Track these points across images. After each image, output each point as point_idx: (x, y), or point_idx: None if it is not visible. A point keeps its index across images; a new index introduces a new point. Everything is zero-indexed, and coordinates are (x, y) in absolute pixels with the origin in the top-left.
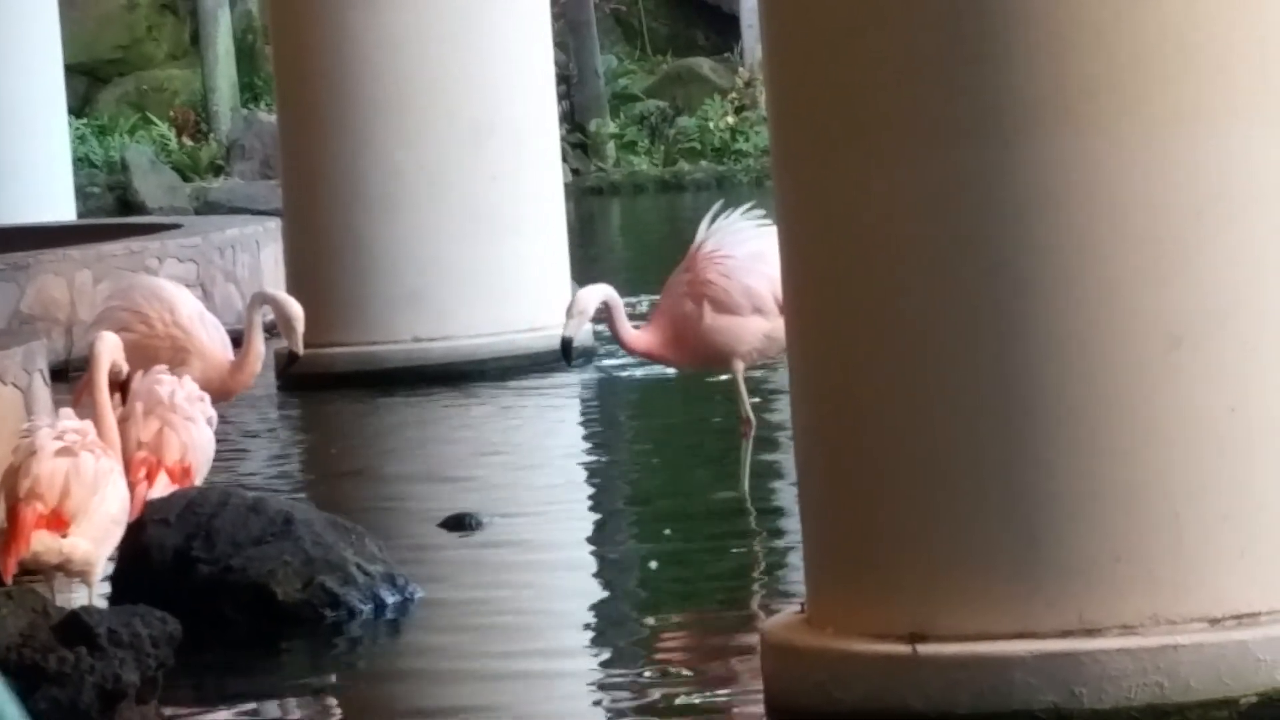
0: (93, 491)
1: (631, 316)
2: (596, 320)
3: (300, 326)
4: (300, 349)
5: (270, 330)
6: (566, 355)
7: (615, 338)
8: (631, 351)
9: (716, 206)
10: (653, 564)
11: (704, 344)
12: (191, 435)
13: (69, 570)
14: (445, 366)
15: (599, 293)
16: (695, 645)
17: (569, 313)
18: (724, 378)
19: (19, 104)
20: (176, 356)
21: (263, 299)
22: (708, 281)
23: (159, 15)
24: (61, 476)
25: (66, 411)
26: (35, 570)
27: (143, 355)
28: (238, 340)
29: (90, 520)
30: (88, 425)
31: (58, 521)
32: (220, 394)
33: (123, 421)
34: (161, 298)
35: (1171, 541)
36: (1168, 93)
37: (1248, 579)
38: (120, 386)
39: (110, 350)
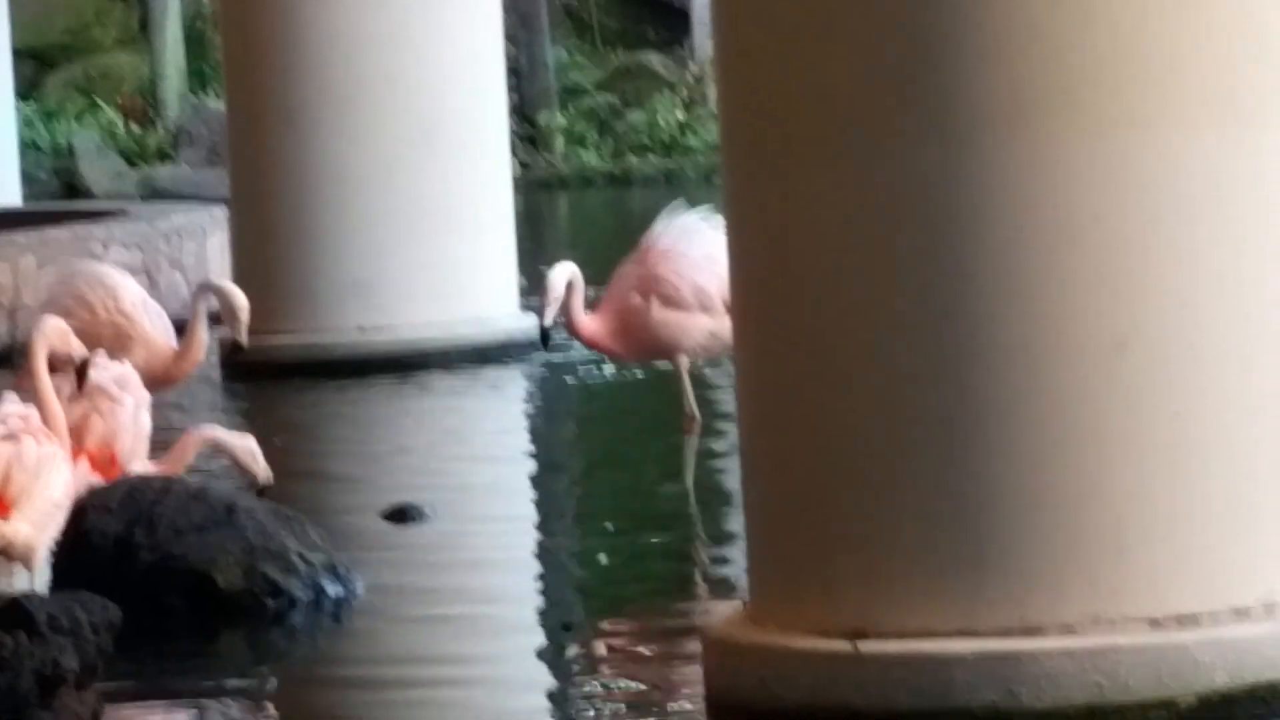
0: (35, 477)
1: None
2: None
3: (245, 317)
4: (245, 339)
5: (215, 319)
6: (544, 341)
7: (566, 317)
8: (577, 335)
9: (674, 204)
10: (601, 557)
11: (649, 337)
12: (117, 420)
13: (10, 555)
14: (390, 358)
15: (566, 271)
16: (637, 640)
17: (545, 300)
18: (667, 370)
19: None
20: (119, 343)
21: (208, 288)
22: (658, 277)
23: (108, 1)
24: (3, 462)
25: (10, 396)
26: None
27: (85, 342)
28: (182, 328)
29: (32, 505)
30: (32, 410)
31: None
32: (162, 381)
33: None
34: (105, 284)
35: (1113, 542)
36: (1118, 98)
37: (1188, 581)
38: (77, 370)
39: (51, 334)
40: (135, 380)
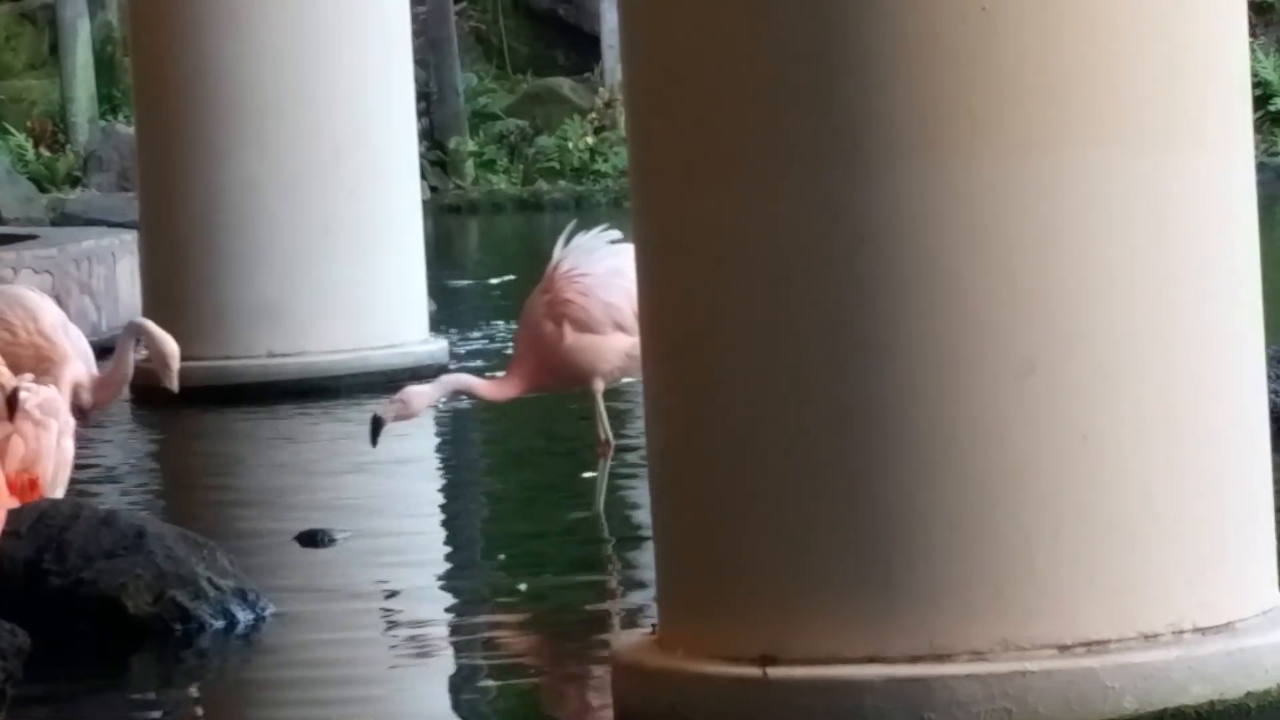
0: None
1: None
2: (454, 399)
3: (176, 364)
4: (175, 387)
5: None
6: (373, 434)
7: (474, 397)
8: (503, 400)
9: (570, 226)
10: (521, 586)
11: (566, 364)
12: (41, 445)
13: None
14: (300, 382)
15: (430, 395)
16: (547, 664)
17: (403, 409)
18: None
19: None
20: (39, 366)
21: (139, 328)
22: (567, 301)
23: (17, 24)
24: None
25: None
26: None
27: (4, 364)
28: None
29: None
30: None
31: None
32: (82, 407)
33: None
34: (25, 306)
35: (1022, 567)
36: (1025, 119)
37: (1098, 606)
38: (7, 399)
39: None
40: (62, 405)
